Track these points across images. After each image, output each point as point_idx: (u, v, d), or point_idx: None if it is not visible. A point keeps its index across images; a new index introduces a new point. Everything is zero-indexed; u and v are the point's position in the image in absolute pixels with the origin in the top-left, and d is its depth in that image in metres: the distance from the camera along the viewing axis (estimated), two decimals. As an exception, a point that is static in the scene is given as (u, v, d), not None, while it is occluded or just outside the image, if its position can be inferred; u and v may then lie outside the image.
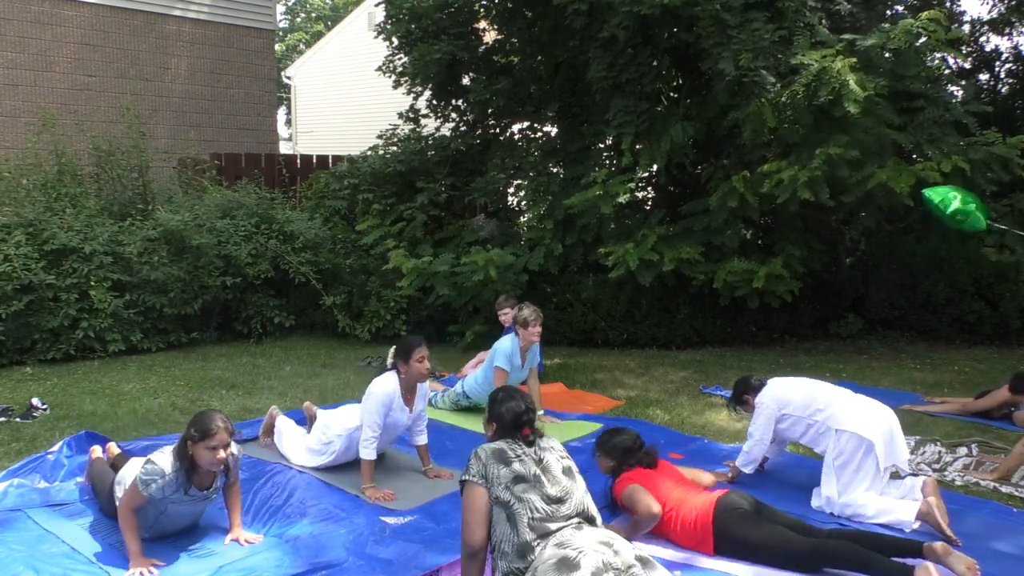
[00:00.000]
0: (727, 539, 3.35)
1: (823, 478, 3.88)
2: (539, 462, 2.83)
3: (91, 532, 3.51)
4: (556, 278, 7.95)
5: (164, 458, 3.27)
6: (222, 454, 3.23)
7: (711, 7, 6.61)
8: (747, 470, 4.15)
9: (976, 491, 4.14)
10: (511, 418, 2.94)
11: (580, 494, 2.83)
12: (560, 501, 2.75)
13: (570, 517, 2.73)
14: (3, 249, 6.70)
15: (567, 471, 2.87)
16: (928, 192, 5.46)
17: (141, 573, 3.12)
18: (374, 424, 4.05)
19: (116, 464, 3.87)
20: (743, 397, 4.27)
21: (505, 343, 5.34)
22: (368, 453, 4.04)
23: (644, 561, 2.65)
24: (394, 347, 4.26)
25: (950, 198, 5.30)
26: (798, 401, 4.02)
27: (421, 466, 4.34)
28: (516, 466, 2.78)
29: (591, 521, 2.79)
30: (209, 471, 3.31)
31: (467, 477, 2.81)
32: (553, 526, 2.68)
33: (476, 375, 5.60)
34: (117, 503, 3.37)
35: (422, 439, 4.36)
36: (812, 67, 6.34)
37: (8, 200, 7.35)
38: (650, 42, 7.42)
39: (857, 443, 3.77)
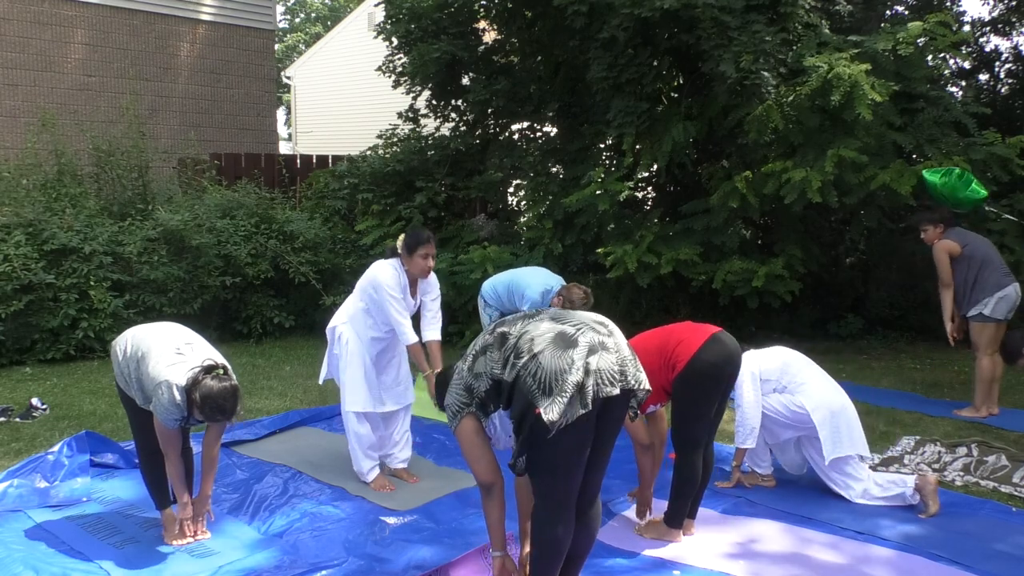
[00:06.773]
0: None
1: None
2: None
3: (91, 532, 3.51)
4: (556, 278, 7.94)
5: (168, 392, 3.14)
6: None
7: (711, 9, 6.60)
8: (749, 443, 4.09)
9: (976, 491, 4.14)
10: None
11: None
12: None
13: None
14: (3, 249, 6.69)
15: None
16: (928, 174, 5.83)
17: (186, 530, 3.36)
18: (401, 310, 3.97)
19: None
20: None
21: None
22: (410, 337, 3.95)
23: (634, 358, 2.57)
24: (402, 235, 4.08)
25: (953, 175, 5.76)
26: (773, 366, 4.20)
27: (420, 466, 4.30)
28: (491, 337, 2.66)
29: None
30: (199, 414, 3.16)
31: (452, 425, 2.68)
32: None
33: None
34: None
35: (432, 332, 4.11)
36: (821, 70, 6.30)
37: (8, 200, 7.34)
38: (650, 43, 7.41)
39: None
